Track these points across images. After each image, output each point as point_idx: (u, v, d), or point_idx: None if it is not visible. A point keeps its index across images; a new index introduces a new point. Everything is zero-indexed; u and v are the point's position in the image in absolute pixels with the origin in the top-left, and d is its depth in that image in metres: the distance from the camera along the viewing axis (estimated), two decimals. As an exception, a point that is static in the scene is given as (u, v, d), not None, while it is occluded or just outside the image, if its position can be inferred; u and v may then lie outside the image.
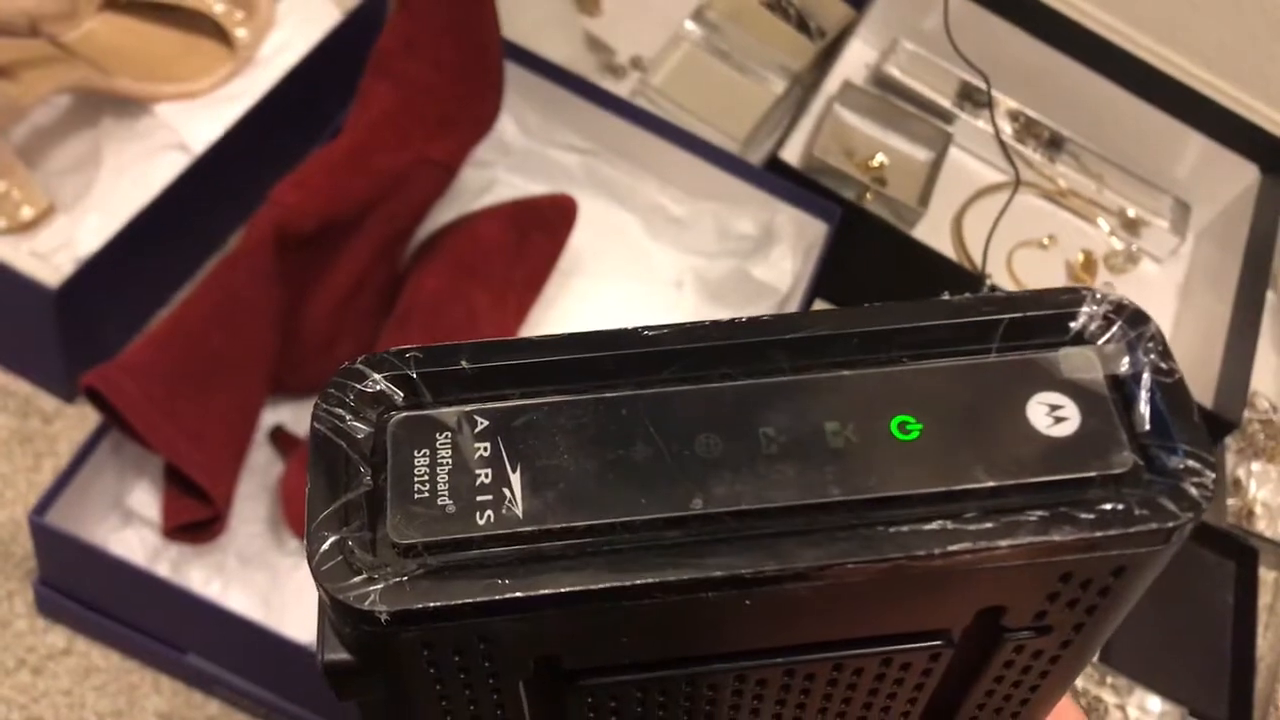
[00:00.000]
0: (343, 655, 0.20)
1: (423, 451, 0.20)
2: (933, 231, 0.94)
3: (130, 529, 0.67)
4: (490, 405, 0.20)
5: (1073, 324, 0.21)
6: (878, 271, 0.90)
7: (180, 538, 0.65)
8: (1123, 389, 0.21)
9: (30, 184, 0.73)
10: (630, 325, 0.22)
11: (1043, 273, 0.96)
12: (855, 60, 1.02)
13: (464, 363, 0.21)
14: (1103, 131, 1.03)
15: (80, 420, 0.73)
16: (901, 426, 0.20)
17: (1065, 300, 0.21)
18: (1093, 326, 0.21)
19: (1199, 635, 0.84)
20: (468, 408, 0.20)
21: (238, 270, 0.64)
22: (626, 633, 0.20)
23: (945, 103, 1.01)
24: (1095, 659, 0.79)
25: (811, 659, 0.22)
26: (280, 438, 0.71)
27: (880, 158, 0.96)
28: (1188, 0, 1.01)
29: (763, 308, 0.83)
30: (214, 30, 0.82)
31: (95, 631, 0.67)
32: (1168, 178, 1.04)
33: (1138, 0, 1.02)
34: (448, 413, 0.20)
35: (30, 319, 0.69)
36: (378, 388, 0.20)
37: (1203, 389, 0.88)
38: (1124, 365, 0.21)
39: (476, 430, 0.20)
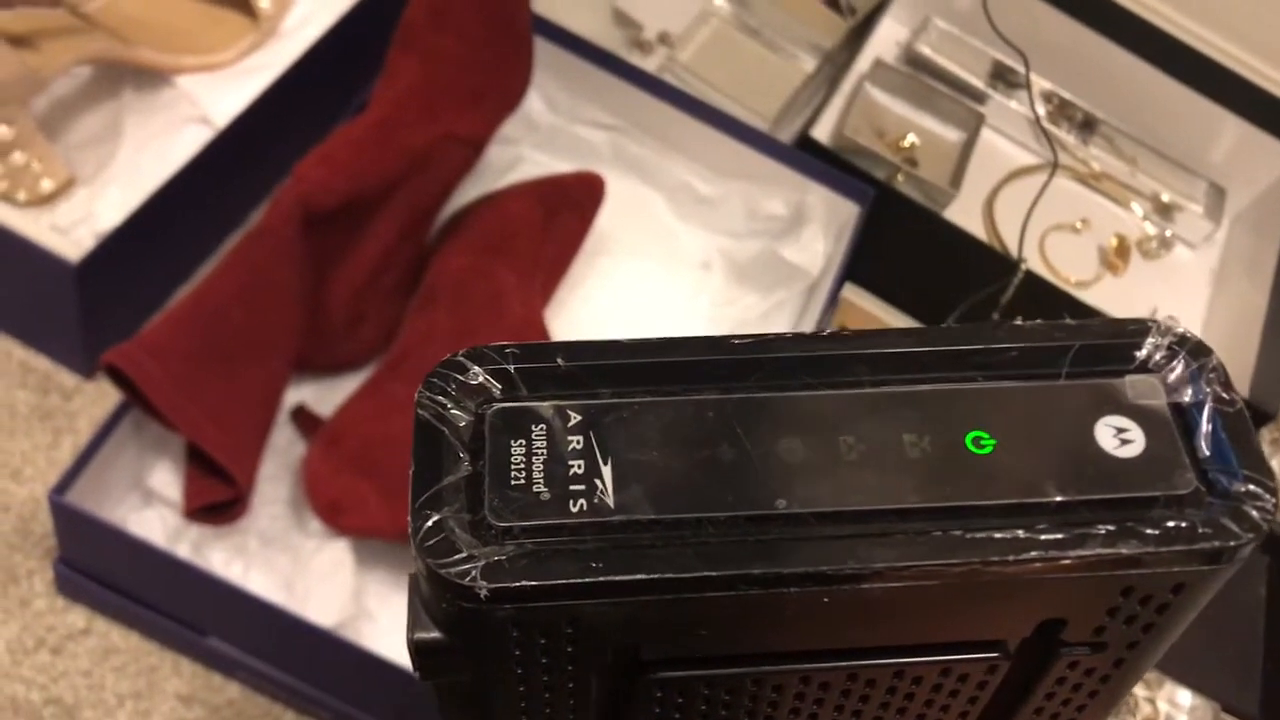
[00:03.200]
0: (433, 634, 0.21)
1: (519, 441, 0.21)
2: (964, 214, 0.92)
3: (151, 509, 0.66)
4: (583, 401, 0.22)
5: (1138, 353, 0.22)
6: (909, 254, 0.88)
7: (201, 519, 0.64)
8: (1185, 416, 0.22)
9: (51, 156, 0.72)
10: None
11: (1075, 257, 0.94)
12: (887, 38, 1.00)
13: (559, 360, 0.22)
14: (1137, 114, 1.01)
15: (100, 397, 0.72)
16: (976, 441, 0.21)
17: (1132, 330, 0.23)
18: (1157, 356, 0.22)
19: (1231, 629, 0.83)
20: (562, 402, 0.22)
21: (262, 247, 0.63)
22: (706, 625, 0.21)
23: (978, 83, 0.99)
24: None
25: (875, 664, 0.23)
26: (303, 417, 0.70)
27: (911, 138, 0.94)
28: (1228, -20, 0.99)
29: (793, 290, 0.81)
30: (237, 1, 0.80)
31: (115, 612, 0.66)
32: (1203, 161, 1.02)
33: (1177, -21, 0.99)
34: (543, 406, 0.22)
35: (50, 294, 0.68)
36: (478, 380, 0.22)
37: (1237, 378, 0.86)
38: (1187, 394, 0.22)
39: (570, 424, 0.21)
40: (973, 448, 0.21)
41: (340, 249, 0.69)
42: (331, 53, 0.77)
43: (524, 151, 0.84)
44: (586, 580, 0.19)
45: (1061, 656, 0.23)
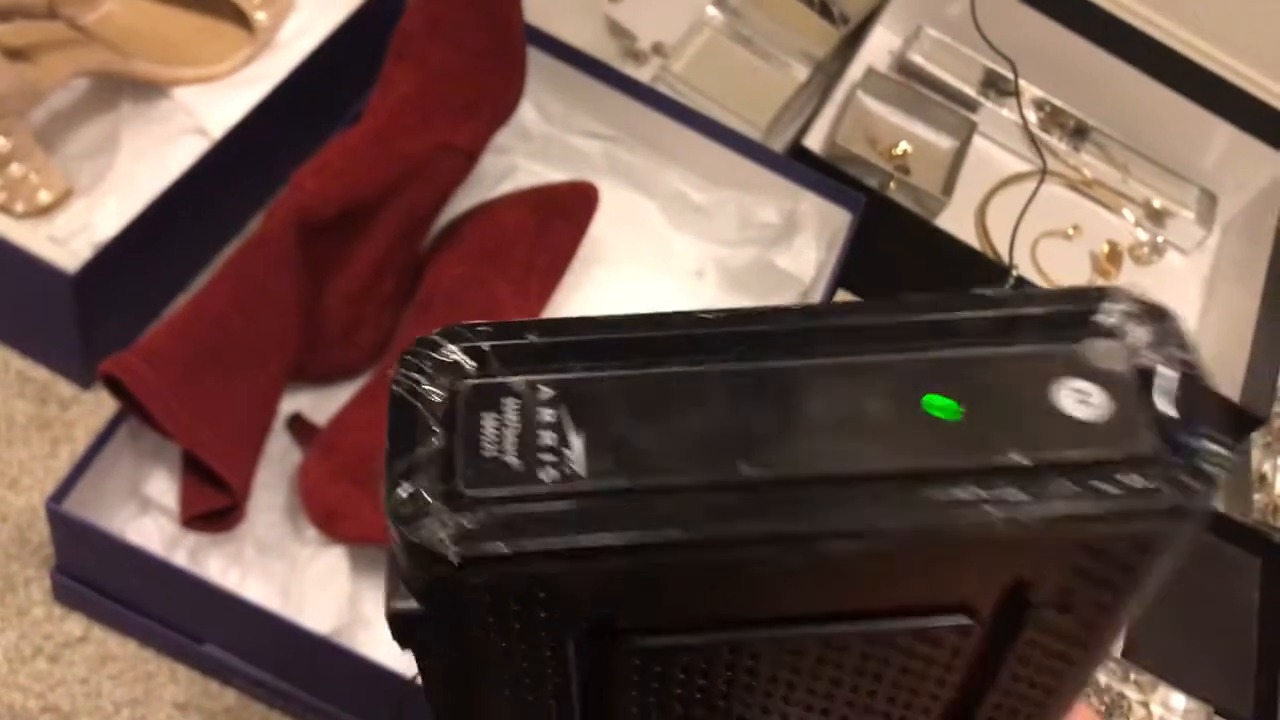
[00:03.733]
0: (410, 604, 0.21)
1: (491, 414, 0.21)
2: (956, 221, 0.92)
3: (148, 517, 0.66)
4: (555, 376, 0.22)
5: (1098, 318, 0.23)
6: (901, 261, 0.89)
7: (198, 527, 0.65)
8: (1146, 378, 0.22)
9: (48, 168, 0.72)
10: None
11: (1067, 263, 0.95)
12: (879, 47, 1.01)
13: (532, 337, 0.22)
14: (1129, 120, 1.02)
15: (97, 406, 0.73)
16: (938, 406, 0.22)
17: (1092, 296, 0.23)
18: (1116, 320, 0.23)
19: (1224, 631, 0.83)
20: (534, 377, 0.22)
21: (258, 256, 0.64)
22: (677, 590, 0.21)
23: (969, 90, 1.00)
24: (1119, 655, 0.78)
25: (847, 630, 0.23)
26: (299, 425, 0.71)
27: (904, 146, 0.94)
28: (1217, -12, 1.00)
29: (786, 297, 0.82)
30: (233, 13, 0.81)
31: (112, 620, 0.66)
32: (1194, 168, 1.02)
33: (1166, -13, 1.00)
34: (515, 380, 0.22)
35: (47, 304, 0.68)
36: (453, 357, 0.22)
37: (1229, 383, 0.87)
38: (1148, 357, 0.22)
39: (541, 397, 0.22)
40: (935, 412, 0.22)
41: (336, 257, 0.70)
42: (327, 63, 0.78)
43: (518, 161, 0.85)
44: (557, 544, 0.20)
45: (1030, 620, 0.23)
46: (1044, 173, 0.98)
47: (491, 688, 0.23)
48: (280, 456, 0.70)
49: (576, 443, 0.21)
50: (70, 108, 0.77)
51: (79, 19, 0.75)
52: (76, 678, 0.66)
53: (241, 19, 0.81)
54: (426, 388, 0.21)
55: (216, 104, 0.78)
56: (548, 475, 0.21)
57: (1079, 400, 0.22)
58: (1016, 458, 0.21)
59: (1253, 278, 0.94)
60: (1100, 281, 0.95)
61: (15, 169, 0.71)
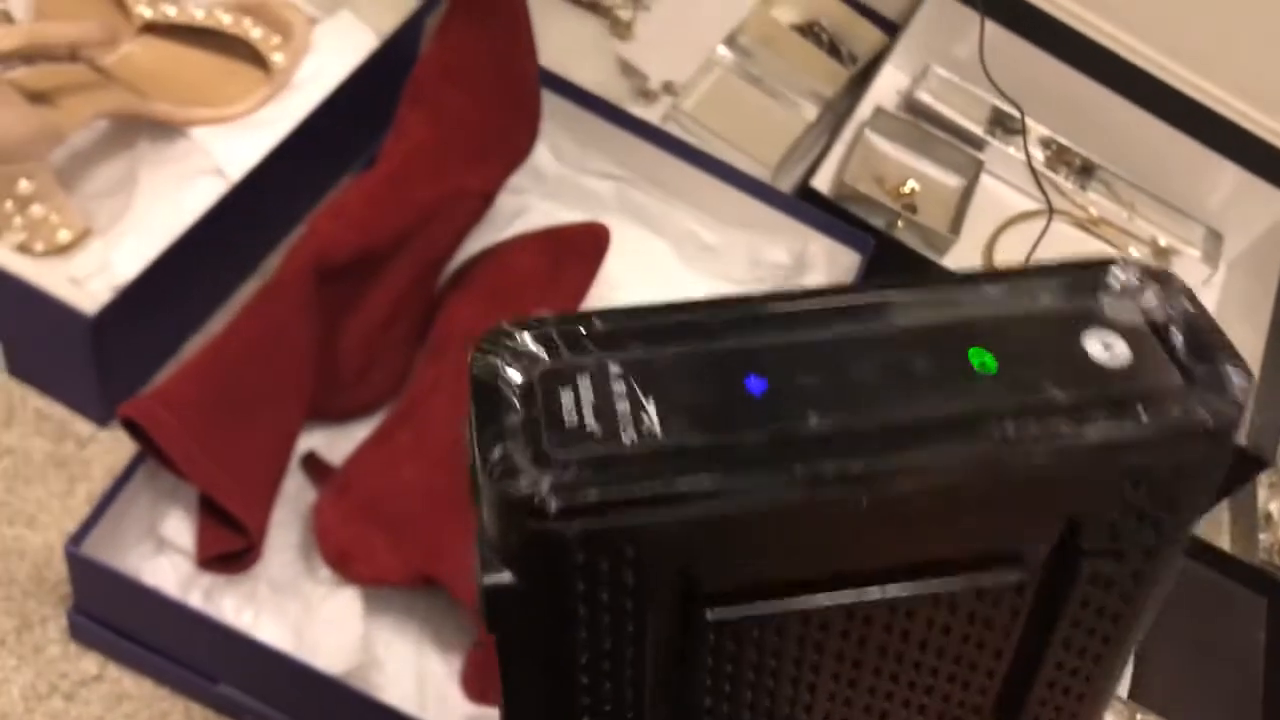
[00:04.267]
0: (503, 576, 0.23)
1: (568, 389, 0.24)
2: (964, 259, 0.93)
3: (164, 556, 0.67)
4: (621, 354, 0.25)
5: (1110, 280, 0.26)
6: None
7: (214, 568, 0.65)
8: (1161, 328, 0.25)
9: (68, 208, 0.73)
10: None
11: (1074, 302, 0.95)
12: (887, 86, 1.02)
13: (596, 323, 0.25)
14: (1135, 160, 1.03)
15: (115, 445, 0.73)
16: (979, 359, 0.24)
17: (1101, 264, 0.27)
18: (1128, 281, 0.26)
19: (1230, 672, 0.84)
20: (602, 356, 0.25)
21: (277, 301, 0.65)
22: (757, 540, 0.23)
23: (977, 129, 1.01)
24: (1125, 695, 0.78)
25: (910, 591, 0.25)
26: (313, 464, 0.71)
27: (911, 184, 0.95)
28: (1222, 30, 1.01)
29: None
30: (250, 55, 0.82)
31: (127, 659, 0.67)
32: (1200, 207, 1.03)
33: (1172, 29, 1.01)
34: (586, 359, 0.24)
35: (67, 344, 0.69)
36: (526, 345, 0.25)
37: (1235, 423, 0.87)
38: (1159, 310, 0.25)
39: (612, 373, 0.24)
40: (977, 364, 0.24)
41: (352, 299, 0.71)
42: (343, 106, 0.79)
43: (531, 201, 0.86)
44: (648, 490, 0.22)
45: (1083, 570, 0.25)
46: (1051, 211, 0.99)
47: (571, 665, 0.25)
48: (295, 495, 0.71)
49: (650, 407, 0.23)
50: (89, 147, 0.78)
51: (99, 61, 0.76)
52: (92, 716, 0.66)
53: (259, 61, 0.82)
54: (507, 370, 0.24)
55: (233, 144, 0.79)
56: (628, 436, 0.23)
57: (1104, 348, 0.24)
58: (1057, 397, 0.24)
59: (1258, 316, 0.95)
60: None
61: (36, 210, 0.72)
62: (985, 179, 0.99)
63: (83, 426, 0.74)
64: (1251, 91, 1.02)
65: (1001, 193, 1.01)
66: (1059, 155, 1.03)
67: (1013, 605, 0.25)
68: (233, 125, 0.81)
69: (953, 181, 0.98)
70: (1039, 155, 1.02)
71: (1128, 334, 0.25)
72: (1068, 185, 1.02)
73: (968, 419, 0.23)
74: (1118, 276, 0.26)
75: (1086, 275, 0.26)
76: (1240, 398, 0.24)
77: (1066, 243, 0.99)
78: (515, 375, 0.24)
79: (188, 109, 0.79)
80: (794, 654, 0.25)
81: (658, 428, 0.23)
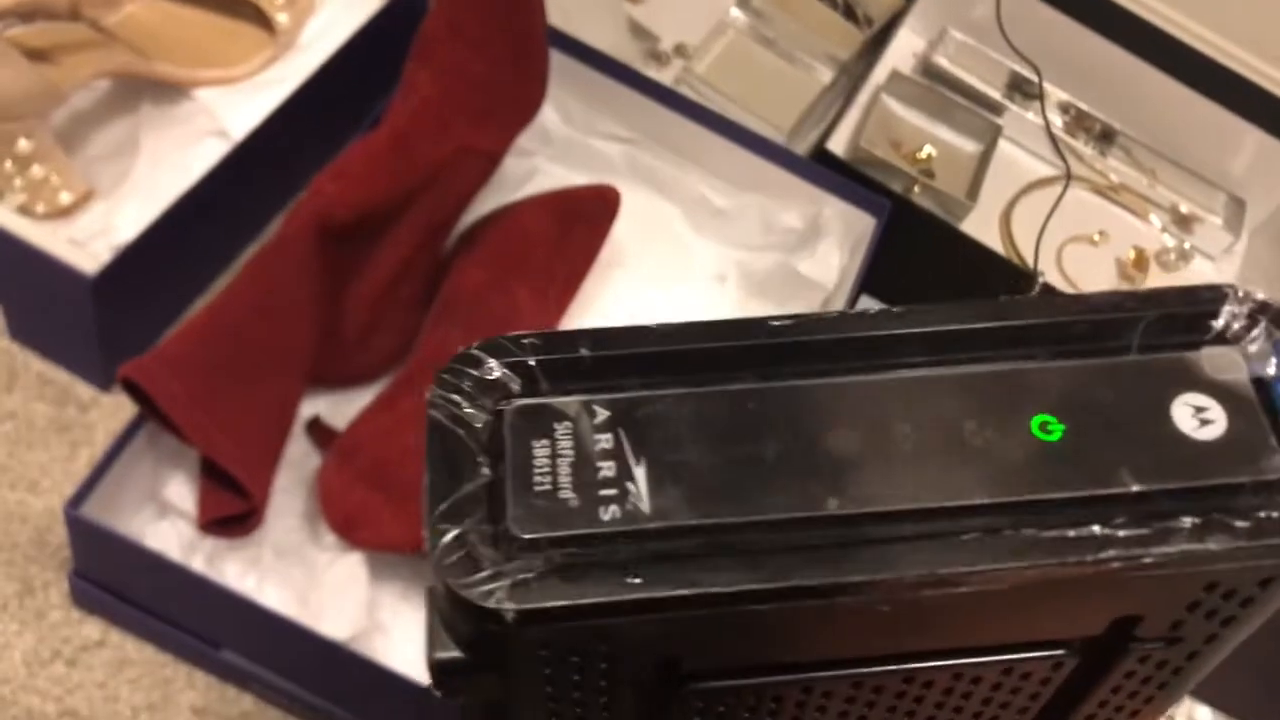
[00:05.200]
0: (454, 653, 0.20)
1: (542, 442, 0.20)
2: (981, 226, 0.91)
3: (166, 521, 0.66)
4: (611, 395, 0.20)
5: (1214, 323, 0.21)
6: (925, 267, 0.88)
7: (216, 531, 0.64)
8: (1269, 390, 0.20)
9: (69, 169, 0.72)
10: (756, 315, 0.21)
11: (1093, 269, 0.94)
12: (903, 49, 1.00)
13: (584, 350, 0.20)
14: (1156, 125, 1.01)
15: (116, 409, 0.73)
16: (1043, 426, 0.20)
17: (1207, 298, 0.21)
18: (1236, 326, 0.21)
19: (1251, 643, 0.82)
20: (587, 397, 0.20)
21: (278, 262, 0.63)
22: (752, 635, 0.19)
23: (994, 94, 0.99)
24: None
25: (933, 666, 0.21)
26: (318, 430, 0.70)
27: (928, 149, 0.94)
28: (1248, -9, 0.98)
29: (808, 304, 0.81)
30: (255, 15, 0.81)
31: (130, 624, 0.66)
32: (1222, 173, 1.01)
33: (1196, -10, 0.99)
34: (567, 402, 0.20)
35: (67, 307, 0.68)
36: (495, 375, 0.20)
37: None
38: (1271, 366, 0.20)
39: (597, 421, 0.20)
40: (1040, 434, 0.19)
41: (356, 262, 0.70)
42: (348, 66, 0.78)
43: (539, 163, 0.84)
44: (622, 597, 0.18)
45: (1132, 652, 0.21)
46: (1069, 177, 0.97)
47: None
48: (299, 461, 0.70)
49: (639, 473, 0.19)
50: (91, 109, 0.77)
51: (101, 20, 0.75)
52: (94, 682, 0.65)
53: (263, 21, 0.80)
54: (468, 410, 0.20)
55: (237, 106, 0.78)
56: (608, 513, 0.19)
57: (1196, 416, 0.20)
58: (1130, 485, 0.19)
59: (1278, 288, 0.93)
60: (1125, 287, 0.94)
61: (36, 170, 0.70)
62: (1003, 144, 0.97)
63: (85, 391, 0.73)
64: (1275, 53, 1.00)
65: (1019, 158, 0.99)
66: (1078, 120, 1.01)
67: (1046, 677, 0.22)
68: (237, 86, 0.79)
69: (970, 147, 0.96)
70: (1057, 120, 1.00)
71: (1227, 396, 0.20)
72: (1087, 151, 1.00)
73: (1021, 512, 0.19)
74: (1227, 313, 0.21)
75: (1190, 314, 0.21)
76: None
77: (1085, 210, 0.97)
78: (479, 417, 0.20)
79: (191, 70, 0.78)
80: (792, 718, 0.22)
81: (645, 503, 0.19)
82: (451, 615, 0.19)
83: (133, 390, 0.61)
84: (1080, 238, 0.95)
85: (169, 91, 0.78)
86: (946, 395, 0.20)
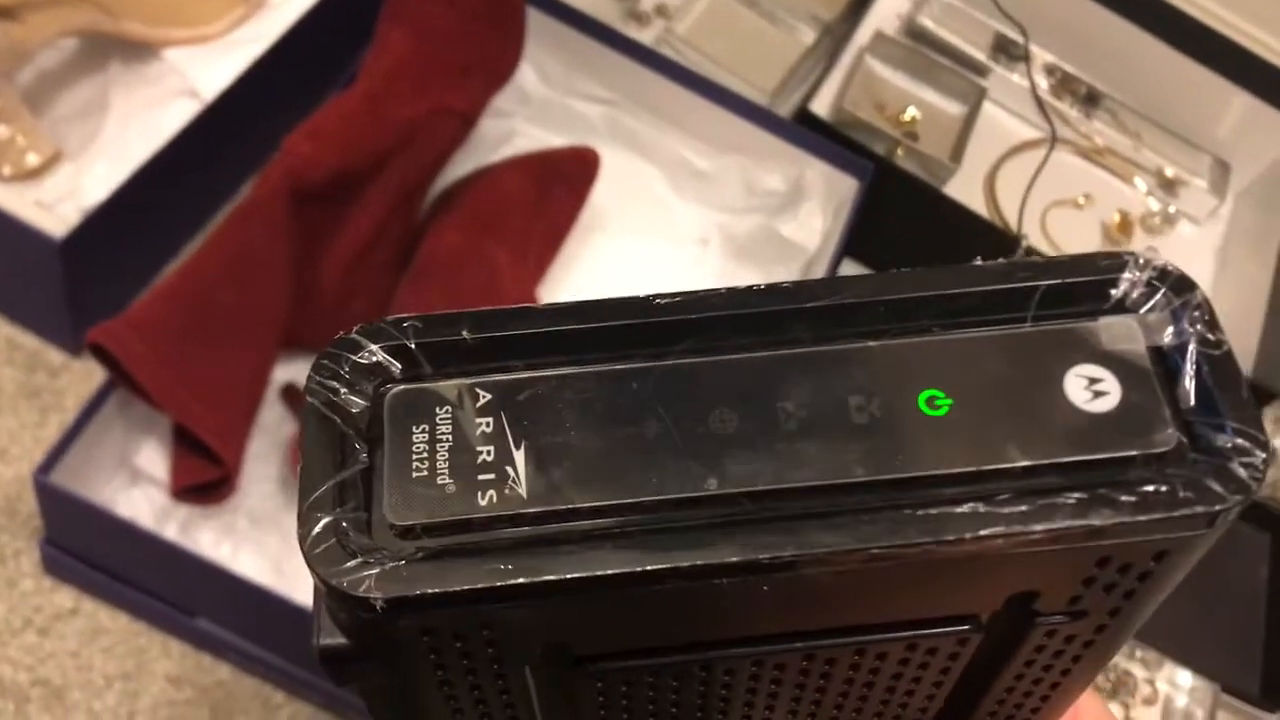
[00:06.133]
0: (339, 640, 0.19)
1: (421, 427, 0.19)
2: (965, 188, 0.91)
3: (138, 488, 0.65)
4: (493, 378, 0.19)
5: (1113, 291, 0.20)
6: (908, 230, 0.87)
7: (189, 499, 0.63)
8: (1166, 361, 0.19)
9: (36, 130, 0.70)
10: (642, 291, 0.20)
11: (1078, 233, 0.93)
12: (887, 10, 0.98)
13: (465, 333, 0.19)
14: (1141, 87, 1.00)
15: (87, 375, 0.71)
16: (930, 401, 0.19)
17: (1105, 266, 0.20)
18: (1135, 294, 0.20)
19: (1231, 609, 0.82)
20: (469, 380, 0.19)
21: (249, 223, 0.62)
22: (637, 618, 0.19)
23: (979, 55, 0.98)
24: (1125, 631, 0.77)
25: (832, 644, 0.21)
26: (293, 395, 0.69)
27: (912, 111, 0.92)
28: (1235, -49, 0.97)
29: (791, 267, 0.80)
30: (225, -28, 0.79)
31: (103, 592, 0.65)
32: (1208, 136, 1.00)
33: (1183, -50, 0.98)
34: (448, 386, 0.19)
35: (35, 270, 0.67)
36: (374, 359, 0.19)
37: (1241, 356, 0.85)
38: (1168, 336, 0.19)
39: (478, 404, 0.19)
40: (927, 409, 0.19)
41: (330, 224, 0.68)
42: (321, 24, 0.76)
43: (517, 125, 0.83)
44: (495, 584, 0.17)
45: (1037, 627, 0.21)
46: (1054, 140, 0.96)
47: (442, 715, 0.21)
48: (274, 427, 0.69)
49: (518, 457, 0.18)
50: (58, 69, 0.75)
51: (66, -23, 0.73)
52: (67, 651, 0.65)
53: (234, -22, 0.79)
54: (345, 396, 0.19)
55: (208, 66, 0.76)
56: (485, 498, 0.18)
57: (1089, 388, 0.19)
58: (1017, 459, 0.19)
59: (1266, 248, 0.92)
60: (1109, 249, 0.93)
61: (2, 131, 0.69)
62: (988, 107, 0.96)
63: (55, 356, 0.72)
64: (1263, 17, 0.99)
65: (1004, 121, 0.98)
66: (1063, 83, 1.00)
67: (952, 653, 0.21)
68: (208, 46, 0.78)
69: (954, 109, 0.95)
70: (1043, 83, 0.99)
71: (1122, 367, 0.19)
72: (1072, 114, 0.99)
73: (903, 489, 0.18)
74: (1126, 280, 0.20)
75: (1089, 282, 0.20)
76: (1250, 479, 0.18)
77: (1070, 172, 0.97)
78: (356, 403, 0.19)
79: (161, 29, 0.76)
80: (697, 696, 0.22)
81: (523, 487, 0.18)
82: (330, 604, 0.18)
83: (102, 355, 0.59)
84: (1065, 201, 0.94)
85: (138, 51, 0.76)
86: (833, 372, 0.19)
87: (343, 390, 0.19)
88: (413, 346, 0.19)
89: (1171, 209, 0.97)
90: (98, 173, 0.71)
